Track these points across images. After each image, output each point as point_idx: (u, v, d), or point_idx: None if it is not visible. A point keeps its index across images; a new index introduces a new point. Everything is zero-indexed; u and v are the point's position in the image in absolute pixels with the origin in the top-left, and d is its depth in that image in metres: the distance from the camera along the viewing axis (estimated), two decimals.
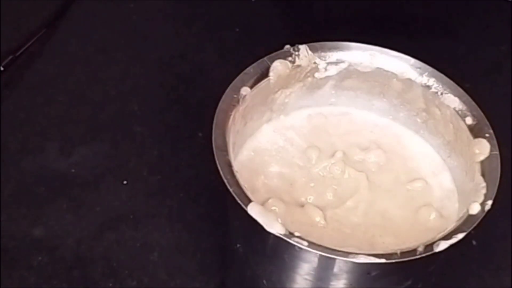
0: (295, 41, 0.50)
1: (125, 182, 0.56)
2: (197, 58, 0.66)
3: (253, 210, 0.40)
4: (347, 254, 0.39)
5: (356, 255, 0.39)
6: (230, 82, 0.47)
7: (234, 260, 0.49)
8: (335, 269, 0.41)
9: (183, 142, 0.59)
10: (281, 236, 0.39)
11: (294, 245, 0.39)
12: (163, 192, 0.56)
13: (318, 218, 0.45)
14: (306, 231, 0.40)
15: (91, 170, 0.57)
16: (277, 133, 0.50)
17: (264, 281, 0.46)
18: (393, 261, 0.39)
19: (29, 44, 0.64)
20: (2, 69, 0.61)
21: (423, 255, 0.39)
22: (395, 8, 0.72)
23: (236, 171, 0.42)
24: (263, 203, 0.41)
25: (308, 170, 0.48)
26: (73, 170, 0.56)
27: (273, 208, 0.44)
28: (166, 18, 0.70)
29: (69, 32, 0.67)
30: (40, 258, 0.51)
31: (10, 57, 0.62)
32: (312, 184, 0.47)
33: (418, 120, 0.50)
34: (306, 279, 0.43)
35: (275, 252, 0.43)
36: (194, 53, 0.66)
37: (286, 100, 0.50)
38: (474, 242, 0.52)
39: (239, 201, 0.40)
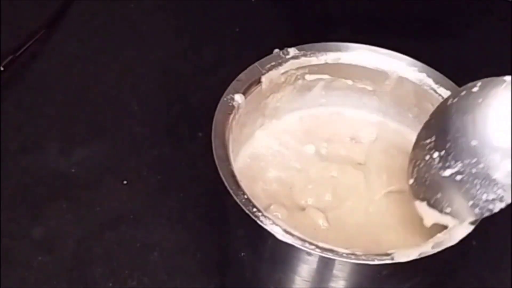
0: (296, 42, 0.50)
1: (125, 182, 0.56)
2: (197, 58, 0.66)
3: (265, 221, 0.40)
4: (363, 257, 0.39)
5: (373, 257, 0.39)
6: (230, 83, 0.47)
7: (234, 261, 0.49)
8: (347, 272, 0.41)
9: (183, 142, 0.59)
10: (295, 244, 0.39)
11: (309, 252, 0.39)
12: (163, 192, 0.56)
13: (320, 220, 0.45)
14: (311, 235, 0.40)
15: (91, 170, 0.57)
16: (271, 138, 0.50)
17: (267, 283, 0.46)
18: (411, 259, 0.39)
19: (29, 44, 0.64)
20: (2, 69, 0.61)
21: (438, 250, 0.39)
22: (395, 9, 0.72)
23: (240, 181, 0.42)
24: (265, 209, 0.41)
25: (305, 172, 0.48)
26: (73, 170, 0.56)
27: (275, 213, 0.44)
28: (166, 18, 0.70)
29: (69, 32, 0.67)
30: (40, 258, 0.51)
31: (10, 57, 0.62)
32: (310, 186, 0.47)
33: (410, 115, 0.50)
34: (306, 280, 0.43)
35: (279, 256, 0.43)
36: (194, 53, 0.66)
37: (278, 104, 0.50)
38: (474, 242, 0.52)
39: (247, 211, 0.40)
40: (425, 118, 0.49)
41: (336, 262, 0.40)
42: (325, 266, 0.41)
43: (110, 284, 0.50)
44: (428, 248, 0.39)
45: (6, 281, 0.49)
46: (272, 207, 0.45)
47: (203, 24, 0.69)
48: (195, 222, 0.54)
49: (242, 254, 0.47)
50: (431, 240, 0.40)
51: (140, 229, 0.53)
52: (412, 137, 0.50)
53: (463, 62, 0.66)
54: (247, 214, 0.40)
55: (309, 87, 0.50)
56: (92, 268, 0.51)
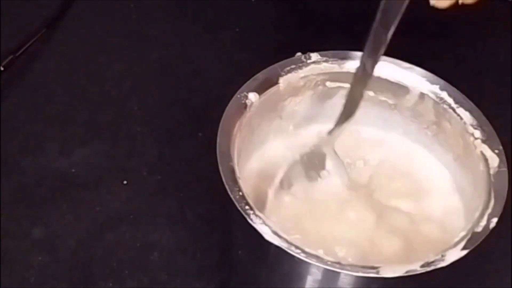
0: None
1: (125, 182, 0.56)
2: (197, 58, 0.66)
3: (255, 220, 0.40)
4: (347, 267, 0.39)
5: (358, 269, 0.38)
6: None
7: (234, 261, 0.49)
8: (339, 283, 0.41)
9: (183, 142, 0.59)
10: (283, 247, 0.39)
11: (294, 255, 0.39)
12: (163, 192, 0.56)
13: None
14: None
15: (91, 170, 0.57)
16: (289, 151, 0.49)
17: (267, 283, 0.46)
18: (396, 275, 0.39)
19: (29, 44, 0.64)
20: (2, 69, 0.61)
21: (426, 270, 0.39)
22: None
23: (239, 177, 0.42)
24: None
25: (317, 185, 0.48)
26: (73, 170, 0.56)
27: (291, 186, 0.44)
28: (166, 18, 0.70)
29: (69, 32, 0.67)
30: (40, 258, 0.51)
31: (10, 57, 0.62)
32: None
33: (429, 133, 0.49)
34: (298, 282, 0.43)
35: (274, 260, 0.42)
36: (194, 53, 0.66)
37: (296, 108, 0.49)
38: None
39: (239, 208, 0.40)
40: (444, 137, 0.48)
41: (323, 270, 0.40)
42: (310, 272, 0.41)
43: (110, 284, 0.50)
44: (416, 267, 0.39)
45: (6, 281, 0.49)
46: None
47: (203, 24, 0.69)
48: (195, 222, 0.54)
49: (242, 254, 0.47)
50: (421, 259, 0.39)
51: (140, 229, 0.53)
52: (426, 160, 0.50)
53: (463, 62, 0.66)
54: (279, 244, 0.40)
55: (329, 94, 0.49)
56: (92, 268, 0.51)
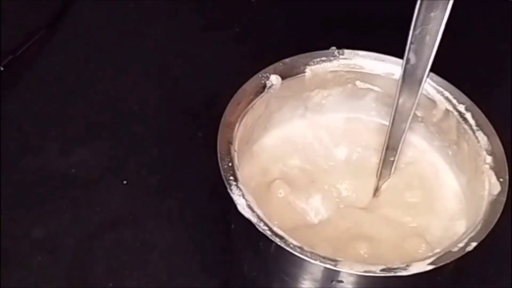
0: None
1: (125, 182, 0.56)
2: (197, 58, 0.66)
3: (235, 191, 0.40)
4: (308, 253, 0.38)
5: (318, 258, 0.38)
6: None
7: (234, 261, 0.49)
8: (339, 280, 0.41)
9: (183, 142, 0.59)
10: (251, 220, 0.39)
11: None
12: (163, 192, 0.56)
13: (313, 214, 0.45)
14: (300, 223, 0.40)
15: (91, 170, 0.57)
16: (309, 129, 0.49)
17: (268, 283, 0.46)
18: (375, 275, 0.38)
19: (29, 44, 0.64)
20: (2, 69, 0.61)
21: (385, 275, 0.38)
22: (393, 9, 0.72)
23: (235, 151, 0.41)
24: (270, 183, 0.41)
25: (326, 172, 0.47)
26: (73, 170, 0.56)
27: (279, 191, 0.44)
28: (166, 18, 0.70)
29: (69, 32, 0.67)
30: (40, 258, 0.51)
31: (10, 57, 0.62)
32: (326, 186, 0.47)
33: (450, 152, 0.48)
34: (303, 285, 0.43)
35: (274, 260, 0.42)
36: (194, 53, 0.66)
37: (323, 102, 0.49)
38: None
39: (223, 176, 0.40)
40: (461, 159, 0.47)
41: (323, 269, 0.39)
42: (309, 271, 0.40)
43: (110, 284, 0.50)
44: (376, 269, 0.38)
45: (6, 281, 0.49)
46: (277, 181, 0.44)
47: (203, 24, 0.69)
48: (195, 222, 0.54)
49: (242, 253, 0.47)
50: (385, 264, 0.39)
51: (140, 229, 0.53)
52: (445, 179, 0.48)
53: (463, 62, 0.66)
54: (249, 217, 0.40)
55: (359, 94, 0.49)
56: (92, 268, 0.51)
